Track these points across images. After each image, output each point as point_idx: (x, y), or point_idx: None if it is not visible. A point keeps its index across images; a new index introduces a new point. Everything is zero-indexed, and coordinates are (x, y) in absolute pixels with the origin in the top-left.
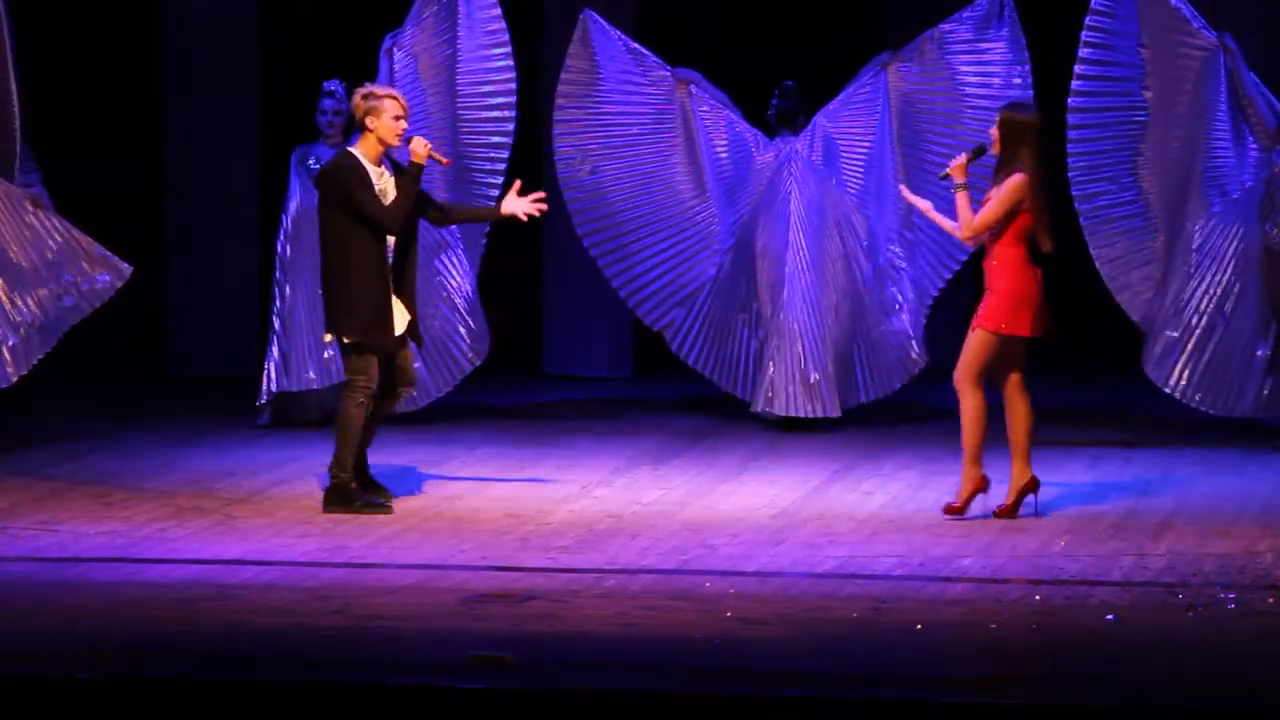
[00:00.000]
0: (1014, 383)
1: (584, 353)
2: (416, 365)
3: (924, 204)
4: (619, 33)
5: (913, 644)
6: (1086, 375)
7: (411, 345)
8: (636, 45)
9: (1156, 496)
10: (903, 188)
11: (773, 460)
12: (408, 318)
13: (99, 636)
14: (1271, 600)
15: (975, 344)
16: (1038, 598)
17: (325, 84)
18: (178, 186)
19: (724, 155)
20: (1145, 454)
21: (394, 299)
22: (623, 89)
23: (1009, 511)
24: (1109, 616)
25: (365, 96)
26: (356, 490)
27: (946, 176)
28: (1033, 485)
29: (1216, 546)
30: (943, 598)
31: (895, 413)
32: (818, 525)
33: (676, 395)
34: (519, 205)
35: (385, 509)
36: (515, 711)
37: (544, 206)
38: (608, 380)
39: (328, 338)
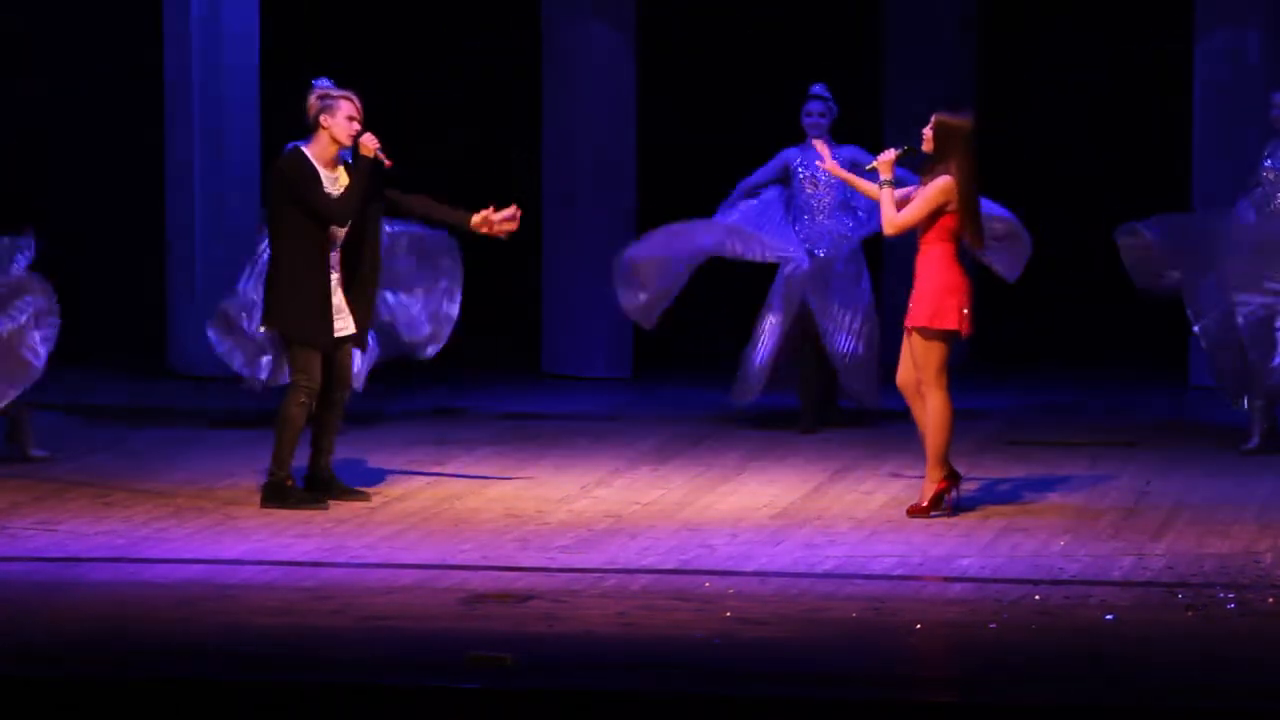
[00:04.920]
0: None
1: (583, 353)
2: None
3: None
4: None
5: (913, 644)
6: (1087, 375)
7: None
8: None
9: (1156, 496)
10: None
11: (772, 460)
12: (351, 324)
13: (99, 636)
14: (1271, 600)
15: (919, 347)
16: (1037, 597)
17: (315, 82)
18: (178, 184)
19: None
20: (1145, 454)
21: (341, 300)
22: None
23: (924, 511)
24: (1109, 616)
25: (321, 97)
26: (292, 487)
27: (874, 170)
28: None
29: (1216, 546)
30: (942, 598)
31: (895, 413)
32: (817, 525)
33: (676, 395)
34: (493, 221)
35: (321, 505)
36: (515, 711)
37: (514, 227)
38: (607, 380)
39: (263, 329)
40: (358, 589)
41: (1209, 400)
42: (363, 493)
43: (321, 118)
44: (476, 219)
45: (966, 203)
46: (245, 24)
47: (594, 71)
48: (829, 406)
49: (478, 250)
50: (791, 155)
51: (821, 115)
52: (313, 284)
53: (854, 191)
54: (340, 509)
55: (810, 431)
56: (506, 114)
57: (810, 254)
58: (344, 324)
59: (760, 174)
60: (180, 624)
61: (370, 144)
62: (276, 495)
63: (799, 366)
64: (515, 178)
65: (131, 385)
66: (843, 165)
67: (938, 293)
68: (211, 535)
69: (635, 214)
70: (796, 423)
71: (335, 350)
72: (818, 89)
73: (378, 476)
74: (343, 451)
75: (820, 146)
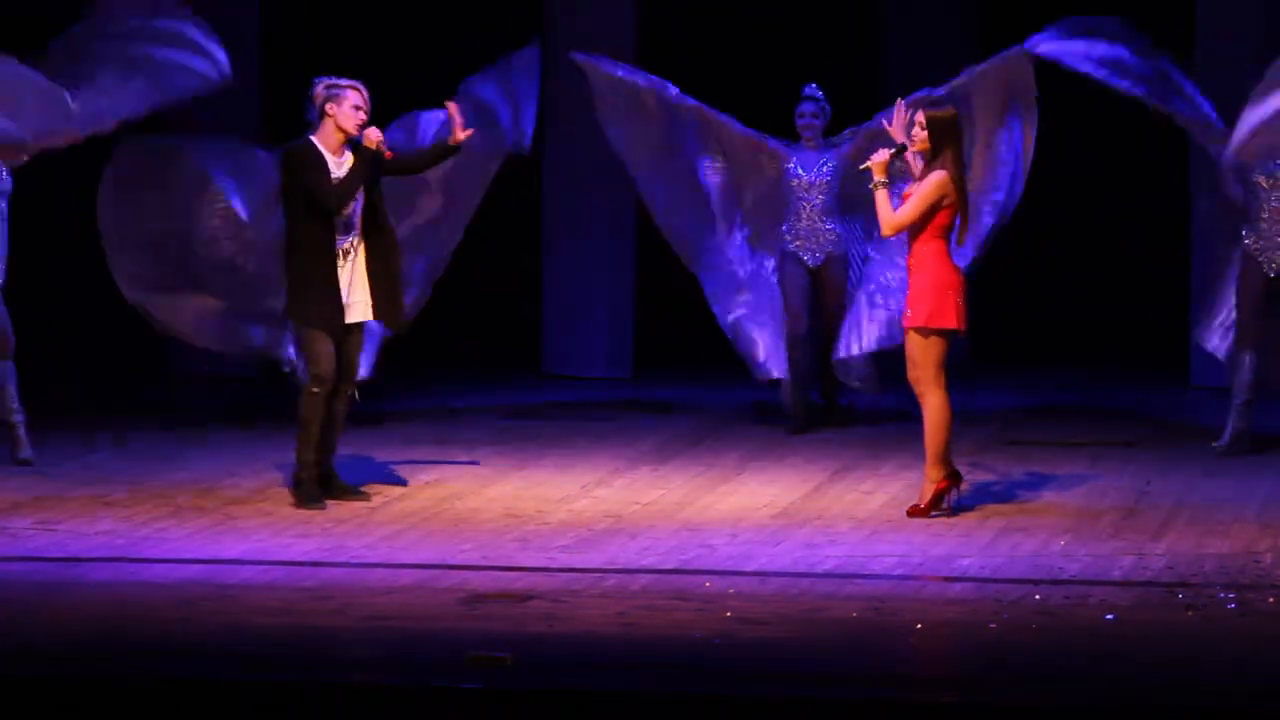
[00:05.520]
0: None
1: (583, 353)
2: None
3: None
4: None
5: (913, 644)
6: (1087, 375)
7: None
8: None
9: (1156, 496)
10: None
11: (772, 460)
12: (358, 312)
13: (99, 636)
14: (1271, 600)
15: (917, 346)
16: (1037, 597)
17: (316, 81)
18: None
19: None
20: (1145, 454)
21: (363, 289)
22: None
23: (923, 512)
24: (1109, 616)
25: (328, 86)
26: (306, 482)
27: (866, 170)
28: (954, 481)
29: (1216, 546)
30: (943, 598)
31: (895, 413)
32: (817, 525)
33: (676, 395)
34: (458, 131)
35: (319, 504)
36: (515, 711)
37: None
38: (607, 380)
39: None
40: (358, 589)
41: (1209, 400)
42: (363, 492)
43: (327, 106)
44: (452, 141)
45: (961, 198)
46: (245, 24)
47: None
48: (831, 406)
49: (478, 250)
50: (785, 153)
51: (814, 116)
52: (318, 270)
53: (845, 195)
54: (340, 509)
55: (799, 432)
56: None
57: (795, 257)
58: (358, 311)
59: (749, 131)
60: (180, 624)
61: (374, 136)
62: (296, 488)
63: (792, 366)
64: (515, 178)
65: (132, 385)
66: (841, 165)
67: (935, 291)
68: (211, 535)
69: (635, 214)
70: (789, 423)
71: (345, 337)
72: (810, 90)
73: (378, 476)
74: (343, 451)
75: (891, 125)
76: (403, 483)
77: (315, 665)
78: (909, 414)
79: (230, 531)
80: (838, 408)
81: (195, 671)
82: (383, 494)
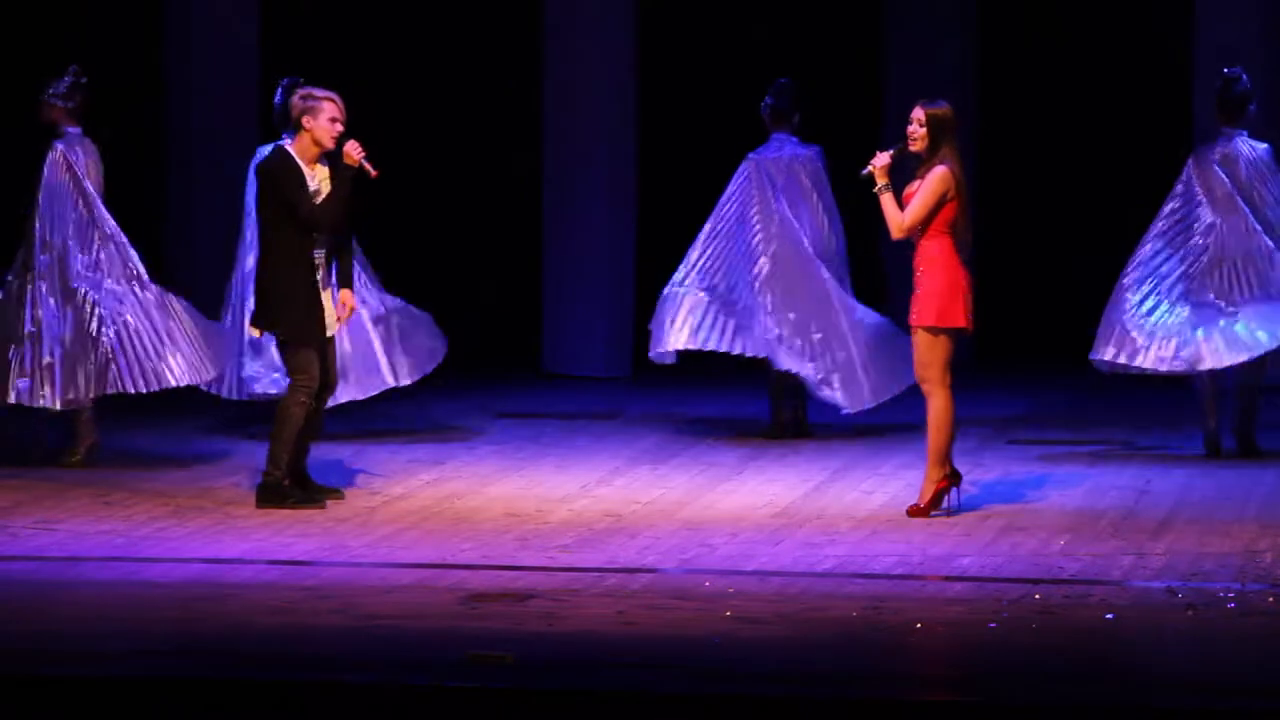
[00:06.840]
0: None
1: (583, 353)
2: None
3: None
4: None
5: (913, 644)
6: (1087, 375)
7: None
8: None
9: (1156, 496)
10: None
11: (772, 460)
12: (334, 324)
13: (99, 636)
14: (1271, 600)
15: (925, 345)
16: (1037, 597)
17: (284, 82)
18: (179, 189)
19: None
20: (1145, 454)
21: (326, 300)
22: None
23: (923, 511)
24: (1109, 616)
25: (304, 97)
26: (289, 487)
27: (869, 175)
28: (953, 480)
29: (1216, 546)
30: (942, 597)
31: (894, 413)
32: (817, 525)
33: (676, 395)
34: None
35: (319, 504)
36: (515, 711)
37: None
38: (606, 380)
39: (256, 332)
40: (358, 588)
41: None
42: (338, 491)
43: (304, 119)
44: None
45: (963, 192)
46: (245, 25)
47: (595, 72)
48: (797, 421)
49: (479, 249)
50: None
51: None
52: (301, 282)
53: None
54: (340, 508)
55: (772, 439)
56: (506, 114)
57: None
58: (329, 323)
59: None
60: (180, 624)
61: (355, 153)
62: (273, 495)
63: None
64: (515, 178)
65: None
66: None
67: (943, 290)
68: (211, 535)
69: (635, 215)
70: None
71: (327, 347)
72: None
73: (378, 476)
74: (343, 451)
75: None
76: (403, 483)
77: (315, 665)
78: (907, 414)
79: (230, 531)
80: (804, 425)
81: (195, 671)
82: (383, 494)
